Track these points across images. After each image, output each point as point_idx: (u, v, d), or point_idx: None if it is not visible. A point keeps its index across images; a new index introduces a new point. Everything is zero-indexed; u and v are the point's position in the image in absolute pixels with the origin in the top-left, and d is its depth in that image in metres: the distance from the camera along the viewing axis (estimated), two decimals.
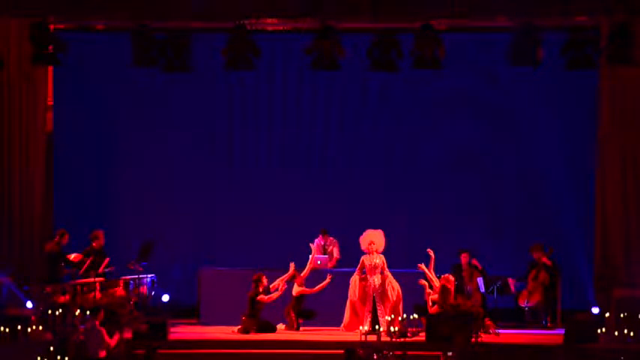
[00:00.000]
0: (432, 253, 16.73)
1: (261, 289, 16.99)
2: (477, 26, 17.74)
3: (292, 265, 17.24)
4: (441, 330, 15.66)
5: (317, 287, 17.21)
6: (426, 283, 16.61)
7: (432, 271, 16.72)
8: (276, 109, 19.69)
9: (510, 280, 17.71)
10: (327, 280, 17.15)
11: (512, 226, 19.09)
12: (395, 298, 16.89)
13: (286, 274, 17.23)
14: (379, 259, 17.04)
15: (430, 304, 16.44)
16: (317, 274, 17.50)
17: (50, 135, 18.31)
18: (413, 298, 16.82)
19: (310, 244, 17.92)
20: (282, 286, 17.11)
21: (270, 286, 17.12)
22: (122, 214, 19.28)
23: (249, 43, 16.60)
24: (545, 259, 17.65)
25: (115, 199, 19.43)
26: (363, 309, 16.94)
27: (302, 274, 17.28)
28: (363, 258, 17.11)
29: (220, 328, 17.09)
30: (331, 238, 18.41)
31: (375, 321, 16.73)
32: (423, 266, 16.65)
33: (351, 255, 17.58)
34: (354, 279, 17.12)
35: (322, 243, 18.38)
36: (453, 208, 19.29)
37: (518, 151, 19.28)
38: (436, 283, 16.53)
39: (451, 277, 16.48)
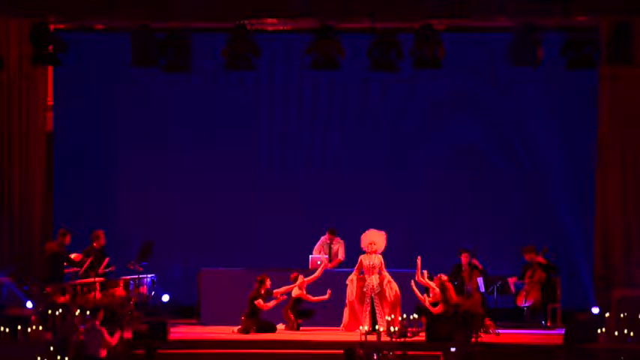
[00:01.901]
0: (419, 261, 16.74)
1: (262, 292, 16.96)
2: (477, 26, 17.74)
3: (301, 277, 17.23)
4: (441, 330, 15.67)
5: (316, 298, 17.17)
6: (416, 290, 16.59)
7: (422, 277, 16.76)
8: (277, 109, 19.69)
9: (511, 280, 17.72)
10: (327, 296, 17.11)
11: (512, 226, 19.07)
12: (393, 298, 16.87)
13: (293, 285, 17.21)
14: (377, 260, 17.02)
15: (431, 307, 16.41)
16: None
17: (50, 135, 18.31)
18: (413, 298, 16.80)
19: (320, 256, 17.92)
20: (281, 297, 17.08)
21: (274, 291, 17.09)
22: (122, 214, 19.27)
23: (249, 43, 16.59)
24: (539, 259, 17.66)
25: (115, 199, 19.43)
26: (361, 309, 16.93)
27: (308, 279, 17.26)
28: (361, 257, 17.10)
29: (220, 328, 17.08)
30: (338, 238, 18.34)
31: (373, 321, 16.73)
32: (425, 277, 16.65)
33: (352, 255, 17.54)
34: (351, 279, 17.10)
35: (328, 241, 18.31)
36: (453, 208, 19.28)
37: (518, 151, 19.28)
38: (436, 289, 16.54)
39: (443, 276, 16.52)
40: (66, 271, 16.90)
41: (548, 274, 17.60)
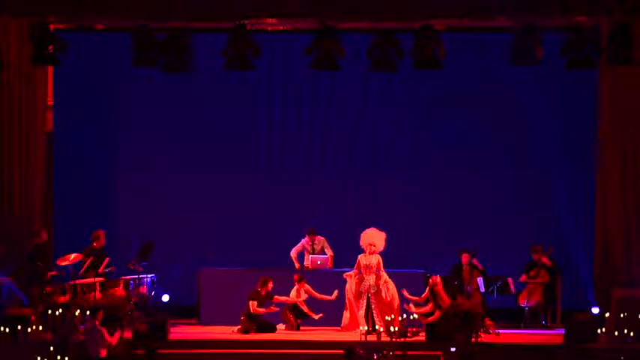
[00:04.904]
0: (405, 294, 16.74)
1: (263, 293, 16.96)
2: (477, 26, 17.74)
3: (307, 287, 17.23)
4: (441, 330, 15.68)
5: (309, 311, 17.18)
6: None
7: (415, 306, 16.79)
8: (276, 109, 19.68)
9: (510, 280, 17.72)
10: (317, 317, 17.12)
11: (512, 225, 19.07)
12: (389, 299, 16.86)
13: (295, 299, 17.20)
14: (375, 259, 17.02)
15: (425, 318, 16.38)
16: (317, 275, 17.55)
17: (50, 135, 18.32)
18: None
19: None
20: (273, 308, 17.06)
21: (274, 297, 17.06)
22: (122, 214, 19.28)
23: (249, 43, 16.59)
24: (544, 259, 17.67)
25: (115, 199, 19.43)
26: (357, 305, 16.92)
27: (312, 293, 17.23)
28: (359, 257, 17.10)
29: (220, 328, 17.10)
30: (318, 236, 18.30)
31: (372, 321, 16.71)
32: (412, 308, 16.67)
33: (351, 255, 17.51)
34: (350, 274, 17.08)
35: (310, 243, 18.26)
36: (452, 208, 19.27)
37: (518, 151, 19.28)
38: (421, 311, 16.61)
39: (437, 278, 16.52)
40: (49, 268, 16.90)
41: (551, 276, 17.61)
